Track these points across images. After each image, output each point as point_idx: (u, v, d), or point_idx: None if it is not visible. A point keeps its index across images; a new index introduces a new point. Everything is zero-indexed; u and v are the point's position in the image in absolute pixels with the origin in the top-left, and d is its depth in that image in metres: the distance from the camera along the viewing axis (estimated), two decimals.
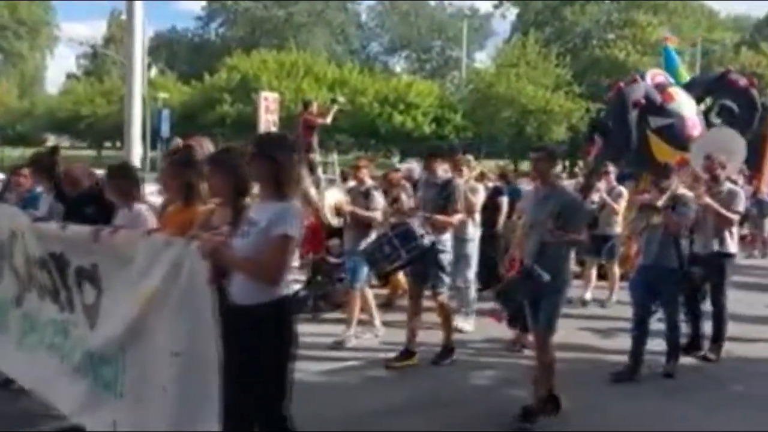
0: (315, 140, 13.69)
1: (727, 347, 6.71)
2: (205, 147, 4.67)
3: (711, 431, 4.91)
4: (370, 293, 7.14)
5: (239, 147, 3.71)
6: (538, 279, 4.80)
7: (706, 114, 10.72)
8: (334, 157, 16.64)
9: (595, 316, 8.13)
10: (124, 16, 6.76)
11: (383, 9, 63.86)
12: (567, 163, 40.57)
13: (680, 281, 6.07)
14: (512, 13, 55.68)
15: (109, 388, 3.50)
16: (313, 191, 9.55)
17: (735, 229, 6.86)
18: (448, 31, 60.47)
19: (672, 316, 6.12)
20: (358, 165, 7.30)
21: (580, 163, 21.42)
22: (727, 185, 6.90)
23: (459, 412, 5.11)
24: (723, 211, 6.58)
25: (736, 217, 6.79)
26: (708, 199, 6.60)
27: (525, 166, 27.89)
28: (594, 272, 8.99)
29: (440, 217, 6.03)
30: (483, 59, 54.91)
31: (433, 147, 7.05)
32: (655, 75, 11.13)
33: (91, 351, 3.63)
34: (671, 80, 11.22)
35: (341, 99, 15.17)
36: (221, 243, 3.16)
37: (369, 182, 7.06)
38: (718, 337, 6.73)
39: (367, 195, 6.85)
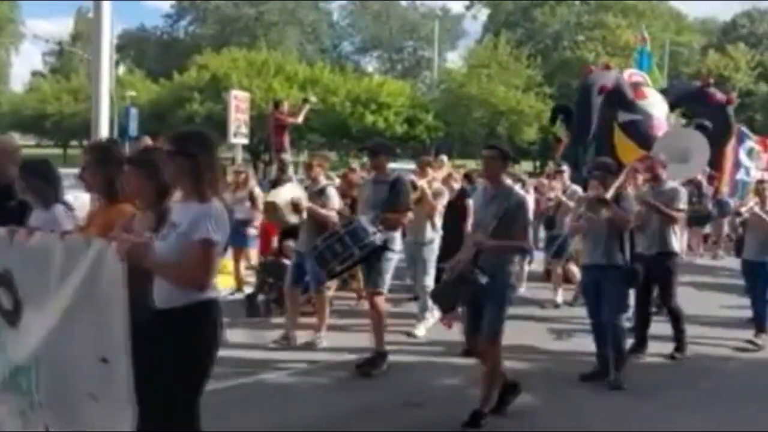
0: (286, 140, 13.33)
1: (693, 347, 6.69)
2: None
3: (684, 430, 4.89)
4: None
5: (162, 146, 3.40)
6: (474, 282, 4.69)
7: None
8: (306, 156, 16.48)
9: (563, 318, 8.08)
10: (91, 14, 6.56)
11: (355, 8, 63.77)
12: (538, 163, 41.01)
13: (627, 279, 5.90)
14: (483, 14, 56.09)
15: (29, 395, 3.30)
16: (258, 191, 9.37)
17: (678, 228, 6.80)
18: (420, 31, 60.61)
19: (617, 318, 5.87)
20: (311, 163, 7.03)
21: (551, 163, 21.59)
22: (670, 183, 6.79)
23: (430, 413, 5.05)
24: (665, 209, 6.52)
25: (679, 216, 6.73)
26: (650, 199, 6.56)
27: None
28: (560, 273, 8.93)
29: (391, 215, 5.92)
30: (455, 59, 55.07)
31: (379, 144, 6.73)
32: (632, 74, 11.14)
33: (10, 359, 3.38)
34: (648, 82, 11.29)
35: (313, 98, 15.01)
36: (142, 245, 2.96)
37: (323, 181, 6.90)
38: (679, 337, 6.66)
39: (321, 193, 6.62)
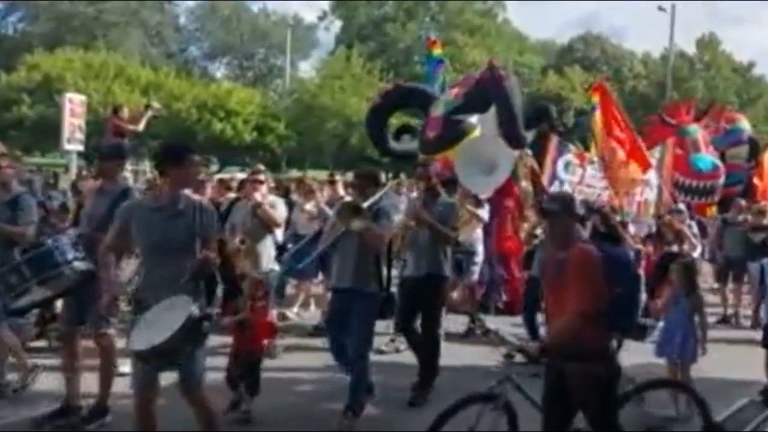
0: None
1: None
2: None
3: None
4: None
5: None
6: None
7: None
8: (146, 164, 15.37)
9: None
10: None
11: (203, 12, 61.62)
12: (390, 175, 41.21)
13: (379, 307, 5.32)
14: (336, 25, 55.90)
15: None
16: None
17: (449, 249, 6.19)
18: (272, 39, 59.51)
19: (362, 351, 5.25)
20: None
21: (402, 175, 21.51)
22: (446, 198, 6.27)
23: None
24: (439, 226, 5.87)
25: (454, 235, 6.22)
26: (425, 214, 5.89)
27: (348, 177, 27.74)
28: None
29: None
30: (307, 69, 54.60)
31: (108, 148, 5.83)
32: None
33: None
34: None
35: (156, 104, 14.02)
36: None
37: (16, 188, 5.74)
38: (427, 375, 5.89)
39: (14, 204, 5.48)
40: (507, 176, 9.55)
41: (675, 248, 9.46)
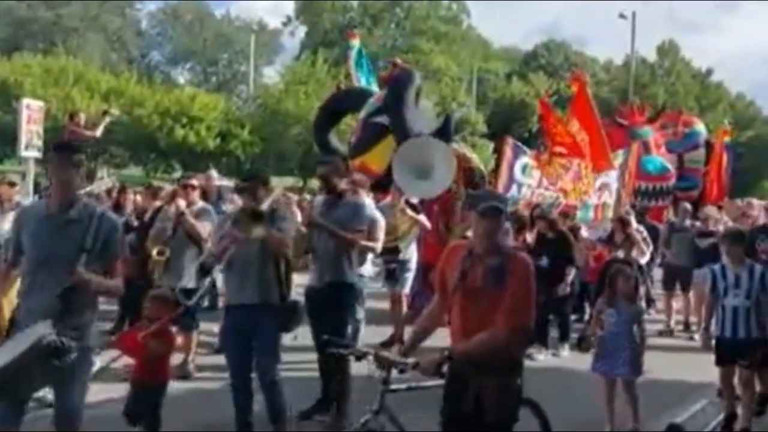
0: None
1: None
2: None
3: None
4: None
5: None
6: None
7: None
8: (104, 172, 15.04)
9: None
10: None
11: (165, 17, 60.91)
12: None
13: (282, 322, 4.80)
14: (301, 31, 55.68)
15: None
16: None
17: (354, 255, 5.67)
18: (236, 44, 59.01)
19: (273, 373, 4.76)
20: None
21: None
22: (351, 198, 5.84)
23: None
24: (337, 231, 5.38)
25: (356, 237, 5.55)
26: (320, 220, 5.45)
27: (314, 183, 27.56)
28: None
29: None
30: (271, 75, 54.20)
31: None
32: None
33: None
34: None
35: (114, 110, 13.79)
36: None
37: None
38: (329, 393, 5.40)
39: None
40: (449, 182, 8.85)
41: (621, 254, 9.12)
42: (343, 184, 5.73)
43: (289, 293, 4.89)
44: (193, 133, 34.74)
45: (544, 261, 8.34)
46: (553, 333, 8.71)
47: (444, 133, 9.31)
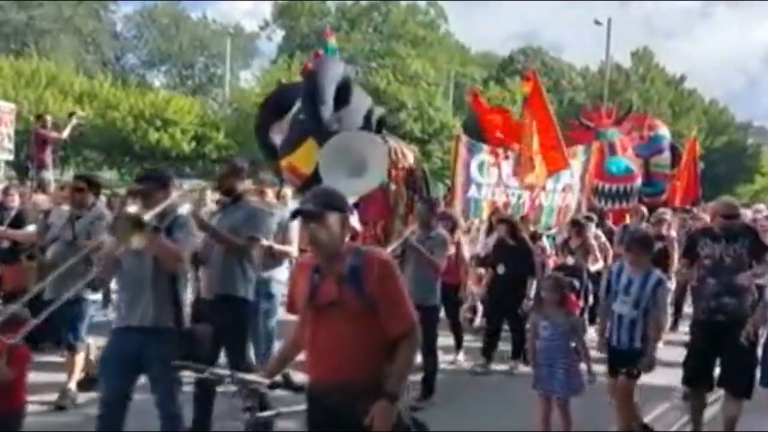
0: (49, 157, 12.49)
1: None
2: None
3: None
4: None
5: None
6: None
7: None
8: (71, 175, 14.87)
9: None
10: None
11: (141, 20, 60.42)
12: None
13: (178, 347, 4.07)
14: (278, 35, 55.47)
15: None
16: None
17: (250, 266, 5.01)
18: (212, 48, 58.68)
19: (171, 408, 4.19)
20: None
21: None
22: (248, 202, 5.22)
23: None
24: (226, 235, 4.87)
25: (250, 244, 4.97)
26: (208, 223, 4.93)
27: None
28: None
29: None
30: (248, 78, 53.93)
31: None
32: None
33: None
34: None
35: (81, 112, 13.68)
36: None
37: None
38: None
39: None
40: (380, 180, 8.26)
41: (570, 261, 8.83)
42: (242, 186, 5.17)
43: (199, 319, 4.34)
44: (167, 137, 34.50)
45: (501, 269, 8.09)
46: (508, 347, 8.38)
47: (366, 130, 8.70)
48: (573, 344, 5.52)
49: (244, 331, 5.01)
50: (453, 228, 8.25)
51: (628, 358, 5.40)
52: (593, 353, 5.75)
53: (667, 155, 14.82)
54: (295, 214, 3.35)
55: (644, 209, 11.03)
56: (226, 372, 3.37)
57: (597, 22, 40.66)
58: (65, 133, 12.67)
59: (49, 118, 13.19)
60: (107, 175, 36.30)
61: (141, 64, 60.99)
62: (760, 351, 5.68)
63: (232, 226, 4.94)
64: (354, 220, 8.12)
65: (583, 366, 5.50)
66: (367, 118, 8.85)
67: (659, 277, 5.51)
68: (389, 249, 6.23)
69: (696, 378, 5.80)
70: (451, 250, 7.75)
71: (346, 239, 3.29)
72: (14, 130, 16.16)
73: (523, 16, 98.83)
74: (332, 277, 3.15)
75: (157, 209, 4.09)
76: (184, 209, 5.88)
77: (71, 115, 13.39)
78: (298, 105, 8.85)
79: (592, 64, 53.81)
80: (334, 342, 3.11)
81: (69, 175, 14.97)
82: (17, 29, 50.94)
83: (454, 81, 48.66)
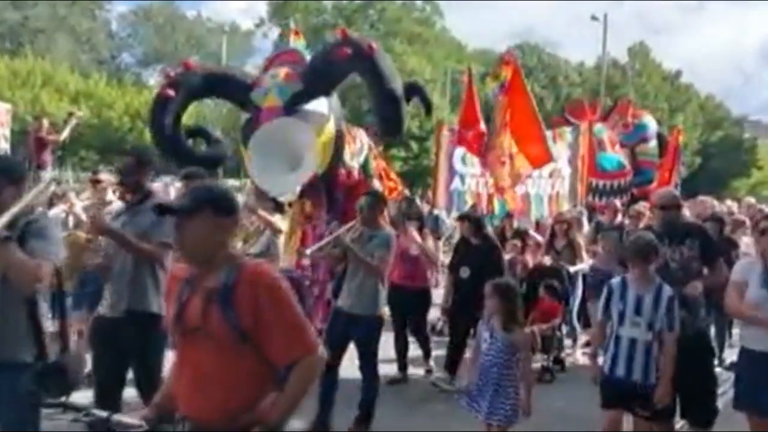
0: (48, 157, 12.55)
1: None
2: None
3: None
4: None
5: None
6: None
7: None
8: (68, 174, 14.86)
9: None
10: None
11: (136, 19, 60.26)
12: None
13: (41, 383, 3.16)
14: (274, 32, 55.33)
15: None
16: None
17: (164, 275, 4.18)
18: (208, 46, 58.56)
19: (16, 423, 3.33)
20: None
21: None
22: (151, 201, 4.27)
23: None
24: (130, 239, 4.18)
25: (156, 251, 4.21)
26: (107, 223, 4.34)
27: None
28: None
29: None
30: None
31: None
32: None
33: None
34: None
35: (79, 113, 13.68)
36: None
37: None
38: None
39: None
40: (311, 172, 7.46)
41: (547, 261, 8.15)
42: (149, 182, 4.52)
43: (68, 348, 3.24)
44: None
45: (466, 272, 7.16)
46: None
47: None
48: (512, 365, 4.57)
49: (159, 352, 4.29)
50: (421, 227, 7.86)
51: (642, 394, 4.49)
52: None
53: (654, 144, 14.63)
54: (160, 210, 2.76)
55: (618, 203, 10.34)
56: (103, 414, 2.62)
57: (594, 18, 40.66)
58: (64, 134, 12.69)
59: (45, 121, 13.20)
60: (103, 174, 36.26)
61: (136, 63, 60.92)
62: (726, 374, 5.08)
63: (140, 230, 4.23)
64: (281, 221, 7.13)
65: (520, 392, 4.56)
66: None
67: (671, 292, 4.54)
68: (314, 248, 5.93)
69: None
70: (415, 251, 7.37)
71: (229, 249, 2.70)
72: (10, 130, 16.16)
73: (519, 12, 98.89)
74: (200, 294, 2.58)
75: (7, 215, 3.08)
76: (53, 211, 4.87)
77: (70, 115, 13.39)
78: (282, 95, 7.89)
79: (589, 60, 53.91)
80: (197, 374, 2.57)
81: (67, 175, 14.86)
82: (12, 29, 50.79)
83: (450, 78, 48.58)
